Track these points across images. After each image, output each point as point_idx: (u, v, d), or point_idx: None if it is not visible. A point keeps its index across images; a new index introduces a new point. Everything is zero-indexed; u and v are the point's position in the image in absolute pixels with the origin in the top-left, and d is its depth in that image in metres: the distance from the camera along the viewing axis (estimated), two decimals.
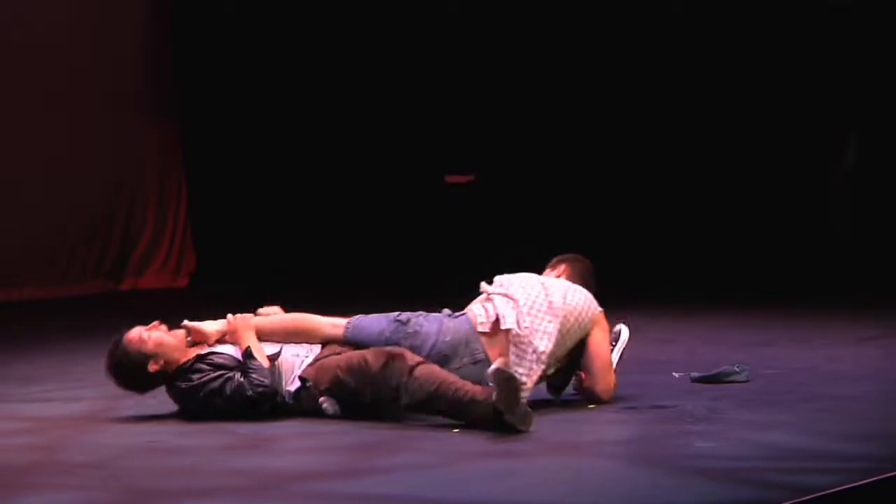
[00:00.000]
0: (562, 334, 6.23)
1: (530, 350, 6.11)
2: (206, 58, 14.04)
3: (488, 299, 6.35)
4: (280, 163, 14.18)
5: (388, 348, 6.07)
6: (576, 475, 5.11)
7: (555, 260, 6.79)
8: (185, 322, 6.29)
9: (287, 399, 6.14)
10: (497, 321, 6.21)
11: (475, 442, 5.59)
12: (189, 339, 6.25)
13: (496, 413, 5.67)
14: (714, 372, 6.95)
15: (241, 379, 6.03)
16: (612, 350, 6.47)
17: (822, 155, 13.22)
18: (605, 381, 6.35)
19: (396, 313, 6.33)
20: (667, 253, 13.02)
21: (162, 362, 6.14)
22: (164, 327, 6.23)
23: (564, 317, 6.25)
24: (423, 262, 13.37)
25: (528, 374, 6.07)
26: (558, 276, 6.63)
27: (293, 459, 5.56)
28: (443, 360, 6.09)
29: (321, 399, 6.07)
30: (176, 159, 14.22)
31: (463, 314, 6.33)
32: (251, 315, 6.32)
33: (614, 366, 6.44)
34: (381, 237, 14.05)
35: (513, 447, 5.52)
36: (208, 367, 6.10)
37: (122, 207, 13.74)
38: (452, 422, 5.84)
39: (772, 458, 5.22)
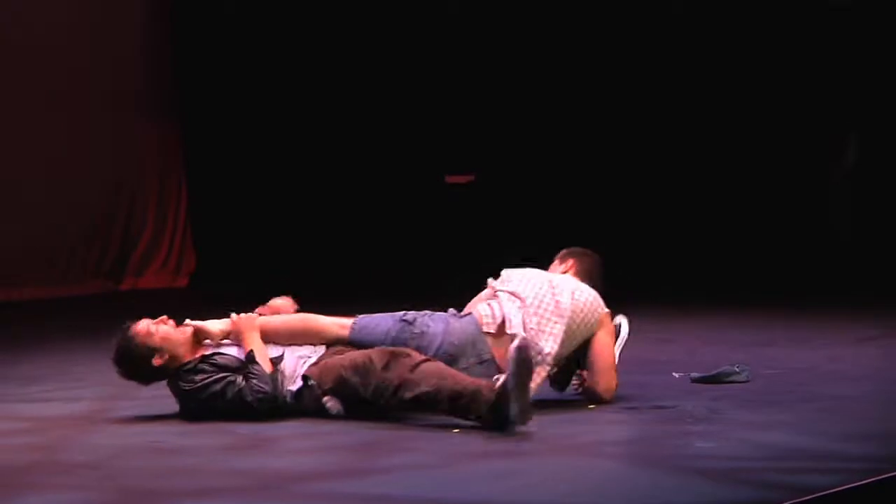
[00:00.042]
0: (567, 335, 6.22)
1: (535, 352, 6.10)
2: (206, 58, 14.04)
3: (494, 296, 6.34)
4: (280, 163, 14.18)
5: (393, 348, 6.06)
6: (576, 475, 5.10)
7: (564, 252, 6.74)
8: (188, 321, 6.29)
9: (288, 399, 6.14)
10: (503, 322, 6.20)
11: (475, 442, 5.59)
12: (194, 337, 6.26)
13: (500, 398, 5.63)
14: (714, 372, 6.95)
15: (243, 384, 6.04)
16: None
17: (822, 155, 13.22)
18: (606, 381, 6.34)
19: (402, 313, 6.31)
20: (667, 253, 13.03)
21: (167, 357, 6.15)
22: (171, 322, 6.24)
23: (571, 317, 6.24)
24: (423, 262, 13.37)
25: (534, 376, 6.06)
26: (566, 272, 6.61)
27: (293, 459, 5.55)
28: (449, 360, 6.07)
29: (325, 399, 6.06)
30: (176, 159, 14.23)
31: (469, 314, 6.31)
32: (255, 315, 6.32)
33: (616, 360, 6.42)
34: (381, 237, 14.05)
35: (513, 447, 5.52)
36: (211, 369, 6.10)
37: (122, 207, 13.75)
38: (453, 419, 5.84)
39: (772, 458, 5.22)
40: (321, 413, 6.05)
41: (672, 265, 12.74)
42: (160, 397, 6.34)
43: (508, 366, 5.65)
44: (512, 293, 6.29)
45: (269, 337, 6.26)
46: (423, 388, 5.83)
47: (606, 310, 6.41)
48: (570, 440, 5.70)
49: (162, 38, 14.01)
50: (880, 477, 4.81)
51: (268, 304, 6.52)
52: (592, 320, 6.33)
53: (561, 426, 5.89)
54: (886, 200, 12.79)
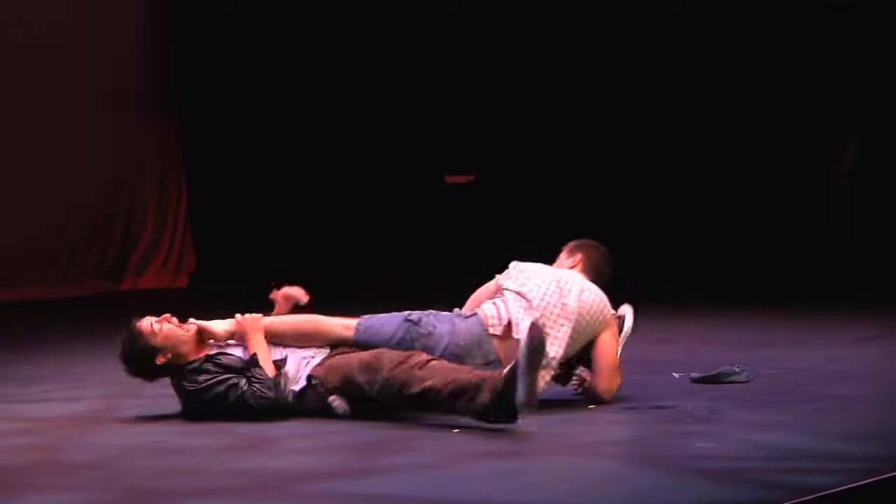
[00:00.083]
0: (573, 338, 6.22)
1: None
2: (206, 58, 14.05)
3: (500, 295, 6.33)
4: (280, 163, 14.18)
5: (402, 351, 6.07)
6: (576, 475, 5.10)
7: (572, 245, 6.68)
8: (193, 320, 6.29)
9: (290, 399, 6.14)
10: (509, 325, 6.19)
11: (475, 442, 5.60)
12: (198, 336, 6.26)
13: (508, 383, 5.60)
14: (714, 372, 6.95)
15: (245, 387, 6.04)
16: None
17: (822, 155, 13.22)
18: (607, 381, 6.34)
19: (406, 313, 6.30)
20: (667, 253, 13.02)
21: (170, 355, 6.16)
22: (174, 320, 6.25)
23: (577, 319, 6.23)
24: (423, 262, 13.37)
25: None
26: (573, 266, 6.59)
27: (294, 460, 5.56)
28: (455, 361, 6.06)
29: (331, 398, 6.06)
30: (176, 159, 14.23)
31: (474, 314, 6.29)
32: (260, 316, 6.31)
33: (619, 351, 6.41)
34: (381, 237, 14.05)
35: (513, 447, 5.52)
36: (215, 369, 6.10)
37: (122, 207, 13.75)
38: (454, 419, 5.84)
39: (772, 458, 5.22)
40: (322, 413, 6.06)
41: (672, 265, 12.73)
42: (161, 397, 6.35)
43: (520, 350, 5.64)
44: (518, 293, 6.28)
45: (273, 337, 6.26)
46: (429, 383, 5.83)
47: (613, 311, 6.41)
48: (570, 440, 5.70)
49: (162, 38, 14.01)
50: (880, 477, 4.81)
51: (281, 290, 6.51)
52: (598, 322, 6.32)
53: (561, 426, 5.90)
54: (886, 200, 12.79)
